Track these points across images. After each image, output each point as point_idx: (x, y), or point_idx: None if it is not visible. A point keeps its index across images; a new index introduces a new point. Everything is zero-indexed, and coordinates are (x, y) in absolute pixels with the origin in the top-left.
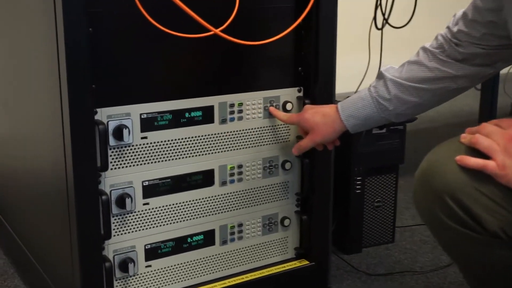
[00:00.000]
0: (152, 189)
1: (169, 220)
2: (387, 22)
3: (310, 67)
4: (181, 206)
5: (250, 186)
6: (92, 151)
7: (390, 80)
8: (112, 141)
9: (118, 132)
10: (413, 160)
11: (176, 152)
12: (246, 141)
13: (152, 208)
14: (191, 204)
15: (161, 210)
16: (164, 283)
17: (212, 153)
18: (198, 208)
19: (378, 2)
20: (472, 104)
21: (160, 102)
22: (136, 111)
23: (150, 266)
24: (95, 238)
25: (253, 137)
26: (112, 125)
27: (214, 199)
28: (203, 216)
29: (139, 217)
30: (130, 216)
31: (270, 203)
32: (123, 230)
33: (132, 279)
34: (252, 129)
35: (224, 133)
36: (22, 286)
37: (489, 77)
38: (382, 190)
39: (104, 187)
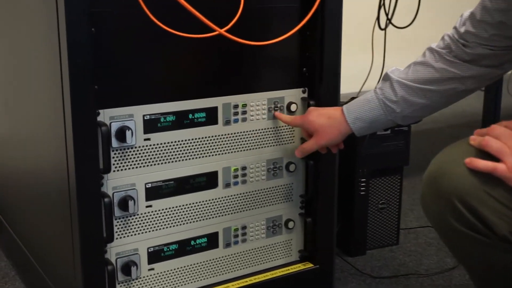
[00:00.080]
0: (155, 191)
1: (172, 223)
2: (390, 22)
3: (315, 67)
4: (184, 208)
5: (254, 188)
6: (94, 153)
7: (397, 82)
8: (114, 143)
9: (121, 134)
10: (416, 161)
11: (179, 154)
12: (250, 143)
13: (155, 211)
14: (195, 206)
15: (164, 212)
16: (167, 286)
17: (215, 154)
18: (201, 211)
19: (382, 2)
20: (476, 105)
21: (163, 103)
22: (139, 112)
23: (153, 269)
24: (97, 241)
25: (257, 139)
26: (114, 127)
27: (217, 201)
28: (206, 219)
29: (142, 220)
30: (132, 219)
31: (274, 205)
32: (126, 233)
33: (135, 282)
34: (256, 130)
35: (228, 134)
36: None
37: (497, 79)
38: (387, 192)
39: (107, 189)
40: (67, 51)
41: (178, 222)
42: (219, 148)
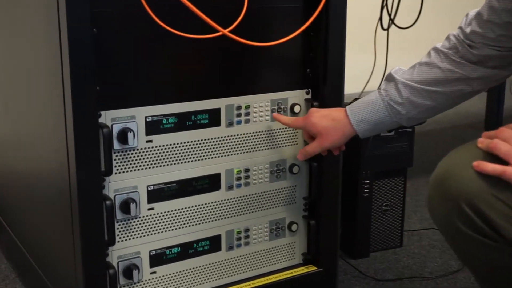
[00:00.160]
0: (157, 194)
1: (174, 226)
2: (393, 23)
3: (318, 68)
4: (187, 211)
5: (257, 190)
6: (96, 155)
7: (402, 83)
8: (116, 145)
9: (123, 136)
10: (419, 162)
11: (181, 156)
12: (253, 145)
13: (157, 213)
14: (197, 209)
15: (166, 215)
16: None
17: (218, 156)
18: (204, 213)
19: (384, 2)
20: (479, 106)
21: (166, 104)
22: (141, 114)
23: (155, 272)
24: (98, 244)
25: (260, 140)
26: (116, 128)
27: (220, 204)
28: (209, 221)
29: (144, 223)
30: (134, 222)
31: (277, 208)
32: (128, 236)
33: (137, 286)
34: (259, 132)
35: (231, 136)
36: None
37: (504, 80)
38: (390, 194)
39: (108, 192)
40: (68, 51)
41: (181, 225)
42: (221, 150)
